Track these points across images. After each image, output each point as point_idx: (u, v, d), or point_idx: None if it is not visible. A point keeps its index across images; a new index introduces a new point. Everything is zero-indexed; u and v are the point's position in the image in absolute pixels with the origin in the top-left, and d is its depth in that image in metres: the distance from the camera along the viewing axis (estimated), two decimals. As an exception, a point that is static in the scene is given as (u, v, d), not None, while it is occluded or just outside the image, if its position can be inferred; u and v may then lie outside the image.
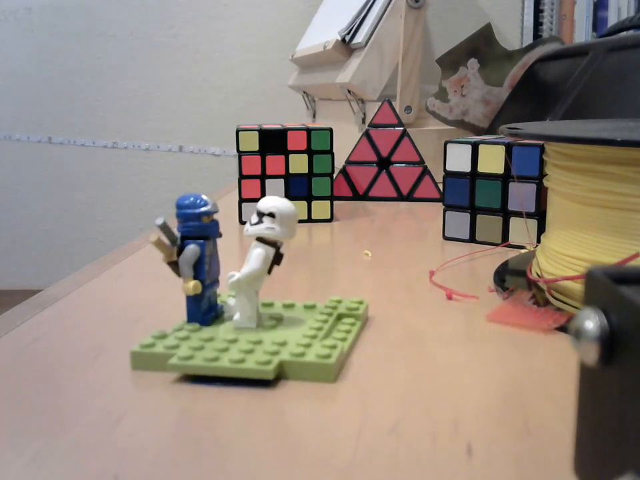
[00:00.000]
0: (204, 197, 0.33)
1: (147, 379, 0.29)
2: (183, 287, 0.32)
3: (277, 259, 0.33)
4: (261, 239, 0.32)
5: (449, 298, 0.40)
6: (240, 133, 0.63)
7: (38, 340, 0.34)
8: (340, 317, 0.35)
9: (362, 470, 0.22)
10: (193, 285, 0.32)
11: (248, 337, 0.31)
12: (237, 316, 0.33)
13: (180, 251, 0.32)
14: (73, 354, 0.32)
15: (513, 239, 0.53)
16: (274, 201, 0.32)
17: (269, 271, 0.33)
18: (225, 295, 0.36)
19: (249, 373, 0.28)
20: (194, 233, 0.32)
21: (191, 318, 0.33)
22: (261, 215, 0.32)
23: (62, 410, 0.26)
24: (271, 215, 0.32)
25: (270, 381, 0.28)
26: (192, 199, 0.32)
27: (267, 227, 0.32)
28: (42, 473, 0.22)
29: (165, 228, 0.31)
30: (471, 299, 0.40)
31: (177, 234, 0.33)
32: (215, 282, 0.34)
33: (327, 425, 0.25)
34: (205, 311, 0.33)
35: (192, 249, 0.32)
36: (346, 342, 0.32)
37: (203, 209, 0.32)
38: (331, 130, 0.64)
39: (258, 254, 0.32)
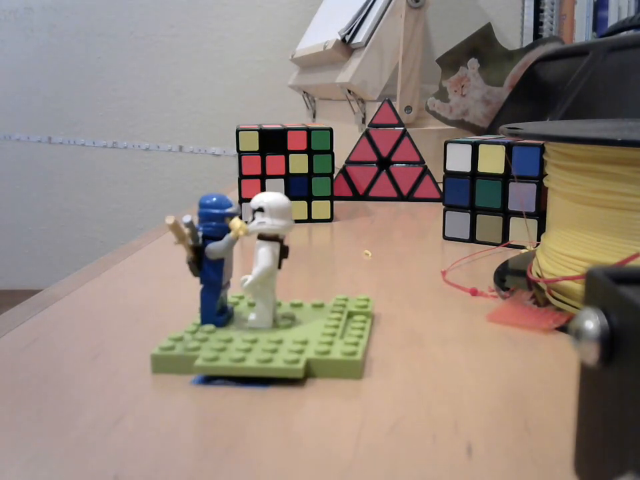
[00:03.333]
0: (228, 198, 0.33)
1: (147, 379, 0.29)
2: (234, 234, 0.32)
3: (284, 252, 0.33)
4: (262, 237, 0.32)
5: (474, 294, 0.41)
6: (240, 132, 0.63)
7: (38, 340, 0.34)
8: (350, 315, 0.35)
9: (362, 470, 0.22)
10: (239, 225, 0.31)
11: (268, 337, 0.31)
12: (252, 316, 0.33)
13: (197, 249, 0.32)
14: (73, 354, 0.32)
15: (513, 238, 0.53)
16: (262, 196, 0.32)
17: (279, 266, 0.33)
18: (237, 297, 0.37)
19: (278, 372, 0.28)
20: (215, 234, 0.32)
21: (205, 319, 0.33)
22: (253, 212, 0.32)
23: (62, 410, 0.26)
24: (260, 209, 0.32)
25: (281, 380, 0.28)
26: (215, 199, 0.32)
27: (258, 222, 0.32)
28: (42, 473, 0.22)
29: (191, 226, 0.31)
30: (492, 298, 0.40)
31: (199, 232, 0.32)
32: (227, 284, 0.34)
33: (327, 425, 0.25)
34: (218, 312, 0.33)
35: (213, 245, 0.32)
36: (364, 339, 0.32)
37: (227, 210, 0.32)
38: (331, 130, 0.64)
39: (263, 252, 0.32)
